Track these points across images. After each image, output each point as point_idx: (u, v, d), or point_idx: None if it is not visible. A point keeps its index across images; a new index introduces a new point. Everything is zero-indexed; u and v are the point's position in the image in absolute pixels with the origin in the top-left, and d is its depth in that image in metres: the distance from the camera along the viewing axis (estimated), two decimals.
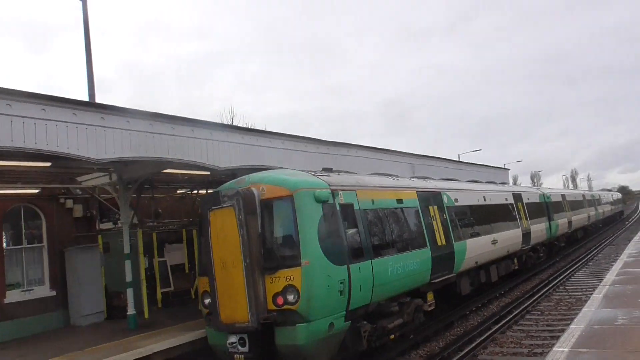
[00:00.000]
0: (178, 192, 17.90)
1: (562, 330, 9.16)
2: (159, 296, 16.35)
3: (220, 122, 22.58)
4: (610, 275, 13.66)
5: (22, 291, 13.40)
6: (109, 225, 15.67)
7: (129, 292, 12.66)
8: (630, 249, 20.63)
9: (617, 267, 15.39)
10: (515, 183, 75.87)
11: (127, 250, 12.87)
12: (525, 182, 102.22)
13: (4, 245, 13.22)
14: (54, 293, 13.97)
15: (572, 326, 8.50)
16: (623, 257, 17.81)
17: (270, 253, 9.24)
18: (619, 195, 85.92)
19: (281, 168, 12.89)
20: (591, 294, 12.34)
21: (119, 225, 13.82)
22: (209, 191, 16.08)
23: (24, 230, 13.81)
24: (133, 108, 9.75)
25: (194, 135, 11.07)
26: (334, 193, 9.95)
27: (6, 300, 12.93)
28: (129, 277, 12.74)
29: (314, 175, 10.45)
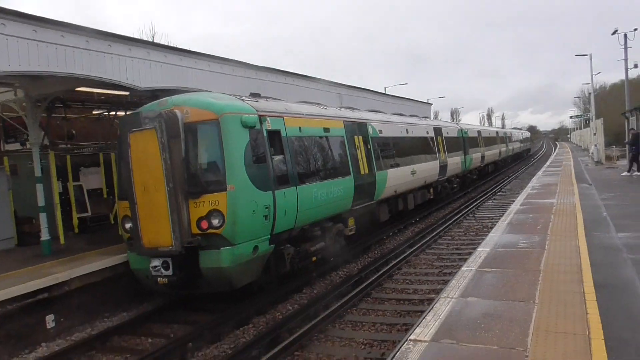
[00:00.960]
0: (94, 112, 16.82)
1: (470, 254, 9.96)
2: (75, 222, 15.70)
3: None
4: (515, 205, 14.87)
5: None
6: (16, 146, 14.56)
7: (42, 217, 12.05)
8: (533, 182, 22.47)
9: (521, 198, 16.75)
10: (436, 118, 78.61)
11: (37, 173, 12.07)
12: (445, 118, 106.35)
13: None
14: None
15: (479, 249, 9.27)
16: (527, 190, 19.39)
17: (194, 178, 9.08)
18: (528, 134, 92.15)
19: (206, 91, 12.43)
20: (497, 221, 13.42)
21: (28, 146, 12.86)
22: (128, 113, 15.27)
23: None
24: (40, 15, 8.78)
25: (111, 51, 10.30)
26: (261, 119, 9.83)
27: None
28: (41, 202, 12.05)
29: (242, 100, 10.19)
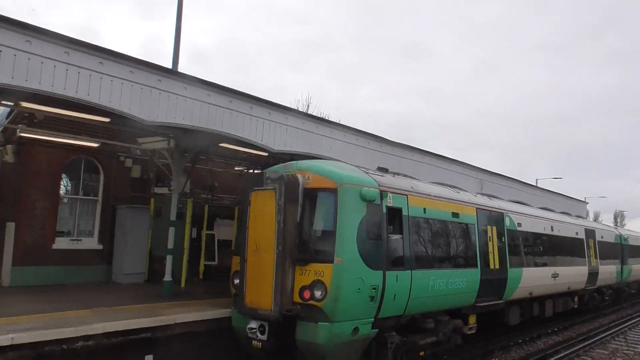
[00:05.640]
0: (236, 168, 17.97)
1: None
2: (201, 268, 16.45)
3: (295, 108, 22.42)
4: None
5: (71, 240, 13.91)
6: (164, 190, 15.92)
7: (168, 259, 12.77)
8: None
9: None
10: (596, 220, 71.01)
11: (173, 217, 12.96)
12: (607, 221, 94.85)
13: (61, 192, 13.76)
14: (100, 247, 14.41)
15: None
16: None
17: (304, 244, 8.86)
18: None
19: (336, 160, 12.47)
20: None
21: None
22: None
23: (82, 182, 14.32)
24: (191, 74, 9.65)
25: (252, 113, 10.88)
26: (382, 194, 9.41)
27: (54, 246, 13.46)
28: (170, 244, 12.85)
29: (366, 172, 9.93)
